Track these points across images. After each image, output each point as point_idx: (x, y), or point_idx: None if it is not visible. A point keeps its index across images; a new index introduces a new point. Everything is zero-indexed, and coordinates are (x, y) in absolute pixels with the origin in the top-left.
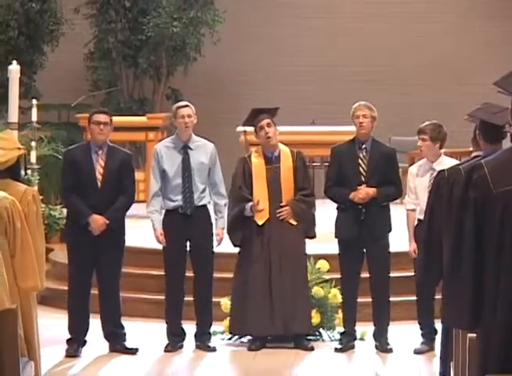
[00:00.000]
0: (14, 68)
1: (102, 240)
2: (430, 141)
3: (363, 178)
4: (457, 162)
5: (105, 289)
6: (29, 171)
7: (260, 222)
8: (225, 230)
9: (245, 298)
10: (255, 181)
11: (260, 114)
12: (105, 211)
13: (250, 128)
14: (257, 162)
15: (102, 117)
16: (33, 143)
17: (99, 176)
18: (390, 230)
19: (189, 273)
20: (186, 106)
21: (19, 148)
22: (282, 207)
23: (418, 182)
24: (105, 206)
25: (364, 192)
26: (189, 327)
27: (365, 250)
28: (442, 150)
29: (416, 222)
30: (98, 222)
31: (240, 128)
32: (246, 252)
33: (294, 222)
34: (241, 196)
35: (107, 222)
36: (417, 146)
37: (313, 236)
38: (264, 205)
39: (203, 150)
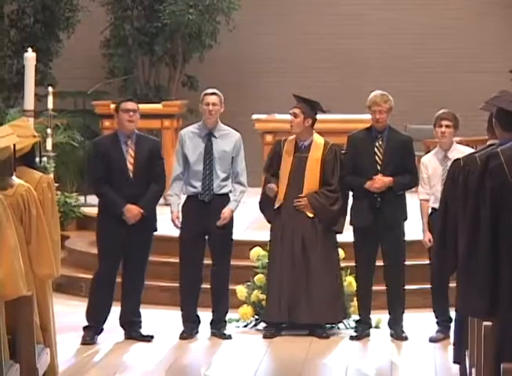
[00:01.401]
0: (30, 55)
1: (135, 229)
2: (453, 128)
3: (379, 167)
4: (471, 150)
5: (130, 278)
6: (45, 159)
7: (275, 206)
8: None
9: (267, 284)
10: (282, 166)
11: (297, 101)
12: (137, 201)
13: (262, 116)
14: (287, 148)
15: (131, 105)
16: (49, 131)
17: (130, 167)
18: (405, 219)
19: (205, 261)
20: (213, 93)
21: (34, 136)
22: (300, 197)
23: (432, 171)
24: (137, 196)
25: (380, 182)
26: (205, 315)
27: (380, 238)
28: (455, 139)
29: (430, 211)
30: (133, 211)
31: (255, 116)
32: (270, 236)
33: (311, 215)
34: (268, 178)
35: (142, 211)
36: (440, 132)
37: (338, 232)
38: (281, 191)
39: (227, 139)
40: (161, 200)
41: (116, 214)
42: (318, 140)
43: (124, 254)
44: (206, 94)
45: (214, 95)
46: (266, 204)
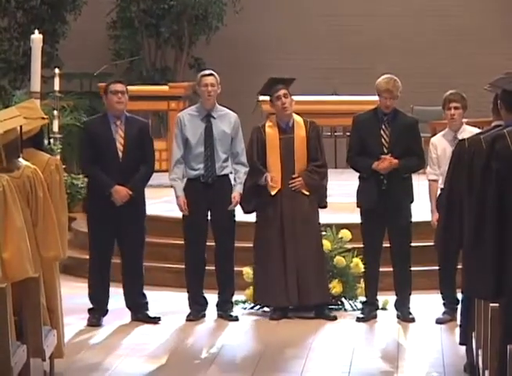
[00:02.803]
0: (36, 37)
1: (124, 210)
2: (462, 109)
3: (385, 150)
4: (479, 131)
5: (128, 259)
6: (51, 141)
7: (272, 193)
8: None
9: (264, 268)
10: (269, 151)
11: (277, 84)
12: (127, 182)
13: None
14: (270, 132)
15: (119, 86)
16: (55, 112)
17: (120, 147)
18: (412, 200)
19: (211, 242)
20: (210, 74)
21: (42, 117)
22: (294, 178)
23: (441, 152)
24: (126, 176)
25: (387, 162)
26: (212, 297)
27: (387, 220)
28: (464, 120)
29: (438, 192)
30: (121, 192)
31: (261, 98)
32: (262, 222)
33: (307, 193)
34: (254, 167)
35: (130, 192)
36: (450, 114)
37: (324, 206)
38: (277, 176)
39: (226, 120)
40: (167, 182)
41: (104, 195)
42: (298, 119)
43: (118, 238)
44: (203, 75)
45: (211, 76)
46: (251, 196)
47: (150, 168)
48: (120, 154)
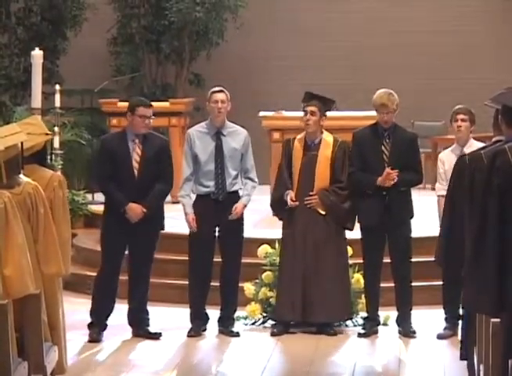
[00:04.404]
0: (37, 54)
1: (140, 228)
2: (469, 122)
3: (386, 165)
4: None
5: (137, 275)
6: (52, 157)
7: (288, 206)
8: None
9: (279, 281)
10: (293, 165)
11: (311, 99)
12: (142, 199)
13: (269, 113)
14: (297, 146)
15: (149, 112)
16: (56, 129)
17: (135, 165)
18: (412, 216)
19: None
20: (221, 91)
21: (46, 133)
22: (311, 195)
23: (448, 167)
24: (142, 194)
25: (392, 177)
26: (213, 312)
27: (387, 235)
28: (472, 135)
29: None
30: (135, 210)
31: (262, 114)
32: (282, 235)
33: (323, 212)
34: (283, 180)
35: (145, 210)
36: (456, 126)
37: (349, 229)
38: (293, 190)
39: (236, 137)
40: (168, 199)
41: (119, 212)
42: (327, 138)
43: (129, 252)
44: (213, 92)
45: (222, 93)
46: (279, 204)
47: (168, 186)
48: (136, 172)
